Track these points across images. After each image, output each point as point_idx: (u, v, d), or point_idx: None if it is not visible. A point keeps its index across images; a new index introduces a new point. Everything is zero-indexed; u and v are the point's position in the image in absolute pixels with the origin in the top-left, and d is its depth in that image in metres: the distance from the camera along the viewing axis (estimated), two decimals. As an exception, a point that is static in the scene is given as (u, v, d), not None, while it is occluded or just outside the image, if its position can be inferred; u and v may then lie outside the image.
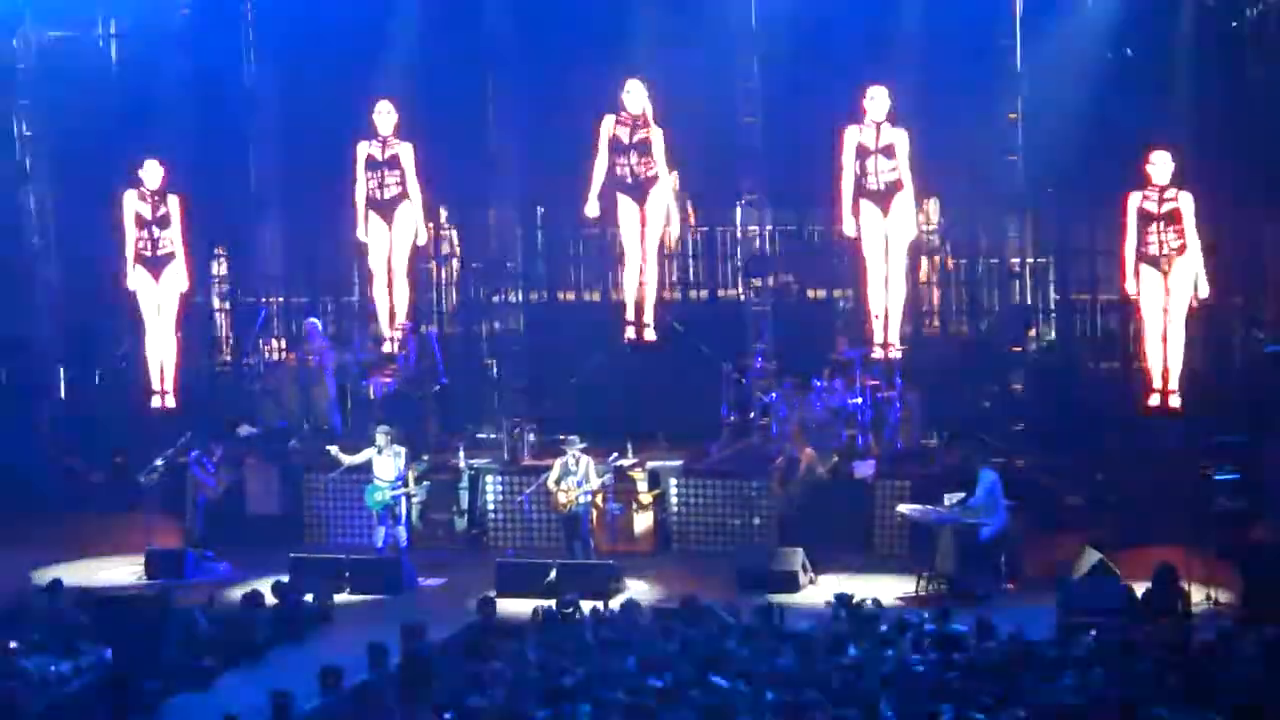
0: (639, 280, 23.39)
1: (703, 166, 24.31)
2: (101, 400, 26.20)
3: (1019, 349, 23.72)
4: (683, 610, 17.38)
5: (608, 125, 22.86)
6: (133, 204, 22.97)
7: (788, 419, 22.35)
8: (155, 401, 24.01)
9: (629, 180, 22.75)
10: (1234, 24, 22.50)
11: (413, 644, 16.46)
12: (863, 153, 21.53)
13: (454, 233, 26.09)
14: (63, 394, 26.39)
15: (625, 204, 23.05)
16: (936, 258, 24.53)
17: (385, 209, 23.23)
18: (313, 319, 24.96)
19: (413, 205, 23.26)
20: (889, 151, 21.49)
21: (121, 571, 22.02)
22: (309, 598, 19.61)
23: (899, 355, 22.11)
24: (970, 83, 22.94)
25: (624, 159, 22.69)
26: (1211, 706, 13.85)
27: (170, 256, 23.25)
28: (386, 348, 24.07)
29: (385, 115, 22.96)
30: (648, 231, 23.26)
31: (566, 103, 23.75)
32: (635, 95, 22.47)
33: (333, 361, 24.23)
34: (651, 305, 23.49)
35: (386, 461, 21.68)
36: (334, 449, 22.20)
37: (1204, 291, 21.07)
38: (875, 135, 21.50)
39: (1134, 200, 20.64)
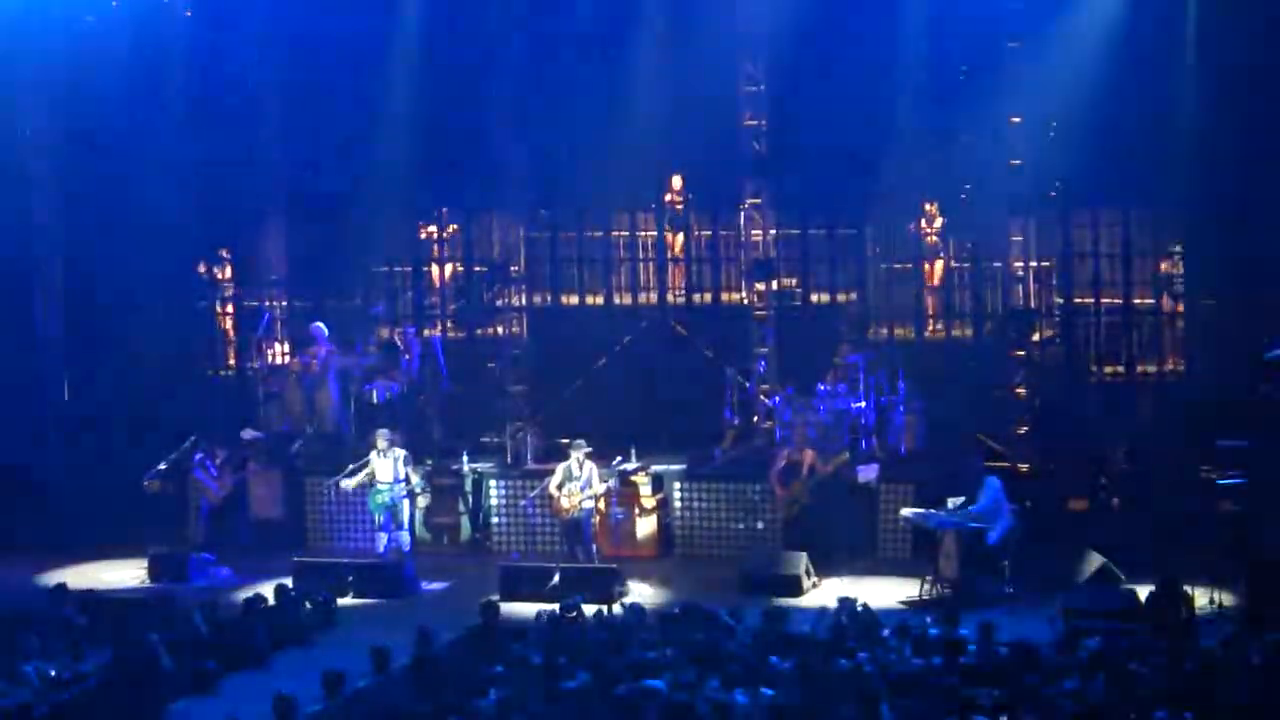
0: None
1: (706, 170, 24.32)
2: (105, 403, 26.23)
3: (1022, 352, 23.69)
4: (685, 614, 17.36)
5: None
6: None
7: (791, 423, 22.33)
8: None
9: None
10: (1240, 21, 22.46)
11: (423, 647, 16.47)
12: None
13: (457, 236, 26.10)
14: (66, 396, 26.41)
15: None
16: (940, 260, 24.53)
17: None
18: (319, 323, 24.97)
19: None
20: None
21: (124, 575, 22.01)
22: (311, 602, 19.60)
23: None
24: (973, 85, 22.97)
25: None
26: (1215, 712, 13.84)
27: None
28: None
29: None
30: None
31: (569, 105, 23.76)
32: None
33: (336, 365, 24.22)
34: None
35: (386, 464, 21.69)
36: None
37: None
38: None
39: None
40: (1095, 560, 19.83)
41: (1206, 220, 21.51)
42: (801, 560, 20.54)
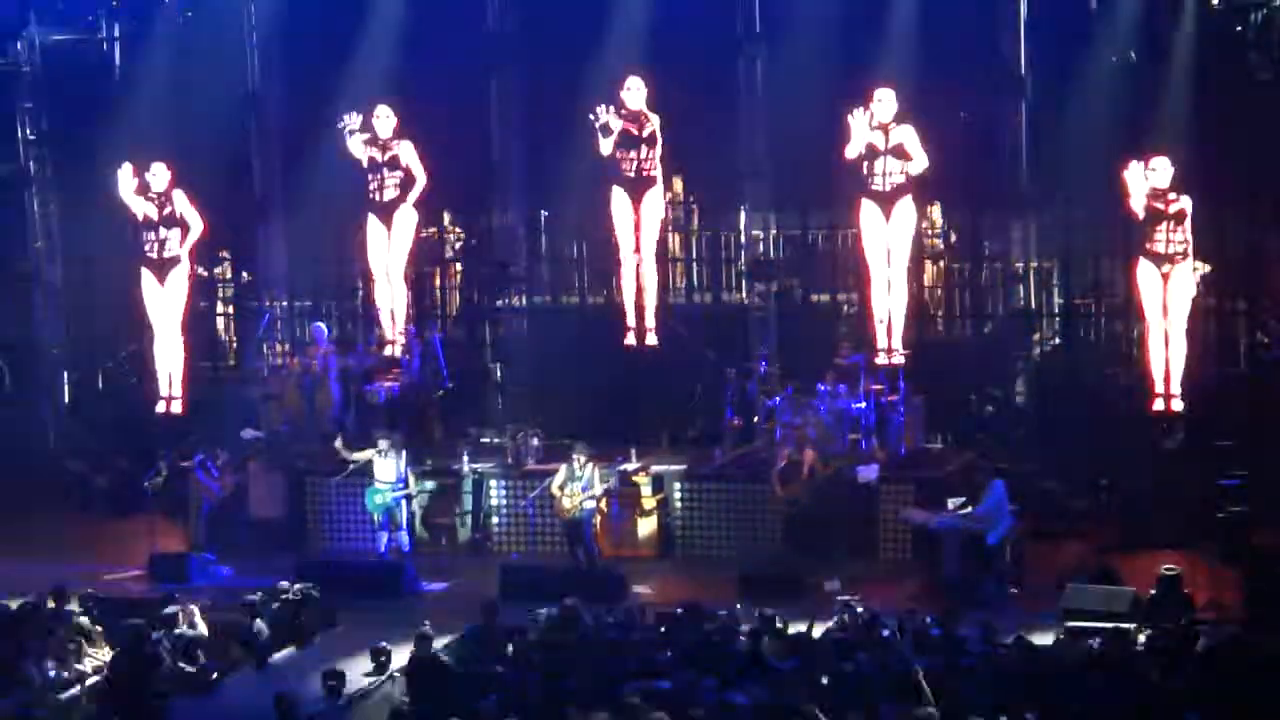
0: (636, 284, 23.36)
1: (706, 170, 24.31)
2: (105, 404, 26.24)
3: (1022, 353, 23.70)
4: (685, 614, 17.36)
5: (609, 117, 22.59)
6: (139, 207, 23.05)
7: (791, 423, 22.31)
8: (162, 406, 23.97)
9: (628, 176, 22.77)
10: (1238, 27, 22.50)
11: (422, 648, 16.49)
12: (872, 153, 21.57)
13: (457, 236, 26.09)
14: (66, 397, 26.43)
15: (620, 201, 22.98)
16: (940, 261, 24.52)
17: (383, 212, 23.33)
18: (319, 322, 25.02)
19: (409, 209, 23.32)
20: (899, 152, 21.52)
21: (124, 575, 22.00)
22: (311, 602, 19.59)
23: (902, 361, 22.14)
24: (974, 86, 22.98)
25: (623, 154, 22.69)
26: (1215, 712, 13.85)
27: (176, 260, 23.33)
28: (388, 351, 24.05)
29: (384, 119, 23.01)
30: (642, 234, 23.21)
31: (570, 106, 23.75)
32: (635, 92, 22.49)
33: (337, 365, 24.22)
34: (652, 309, 23.42)
35: (388, 464, 21.68)
36: (339, 444, 22.22)
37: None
38: (885, 137, 21.56)
39: (1138, 199, 20.69)
40: (1096, 561, 19.81)
41: (1206, 220, 21.48)
42: (801, 561, 20.52)
